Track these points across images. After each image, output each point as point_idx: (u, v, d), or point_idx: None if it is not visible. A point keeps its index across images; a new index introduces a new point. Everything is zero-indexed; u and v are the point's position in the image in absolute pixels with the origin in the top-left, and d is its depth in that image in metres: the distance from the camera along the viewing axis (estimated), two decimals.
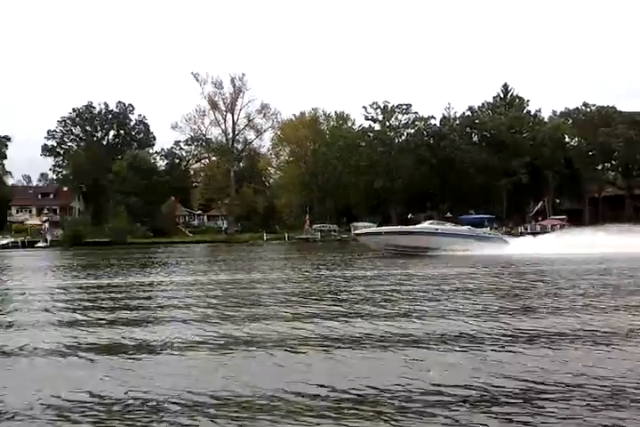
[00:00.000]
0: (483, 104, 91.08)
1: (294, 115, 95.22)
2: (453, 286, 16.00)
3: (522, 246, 31.37)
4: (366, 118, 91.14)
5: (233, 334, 9.19)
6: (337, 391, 5.83)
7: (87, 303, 13.82)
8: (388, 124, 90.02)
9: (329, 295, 14.68)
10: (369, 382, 6.13)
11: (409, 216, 78.62)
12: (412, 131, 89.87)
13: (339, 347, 7.98)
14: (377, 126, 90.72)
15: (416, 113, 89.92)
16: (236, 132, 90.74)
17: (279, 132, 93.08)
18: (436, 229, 33.11)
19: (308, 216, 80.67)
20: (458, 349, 7.71)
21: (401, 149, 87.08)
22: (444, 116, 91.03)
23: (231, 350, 8.03)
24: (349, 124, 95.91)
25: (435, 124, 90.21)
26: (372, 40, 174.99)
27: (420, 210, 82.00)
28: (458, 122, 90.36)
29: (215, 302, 13.58)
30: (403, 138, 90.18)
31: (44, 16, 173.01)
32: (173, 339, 8.82)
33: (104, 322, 10.80)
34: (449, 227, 34.34)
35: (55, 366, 7.35)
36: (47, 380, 6.65)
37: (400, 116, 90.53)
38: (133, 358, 7.65)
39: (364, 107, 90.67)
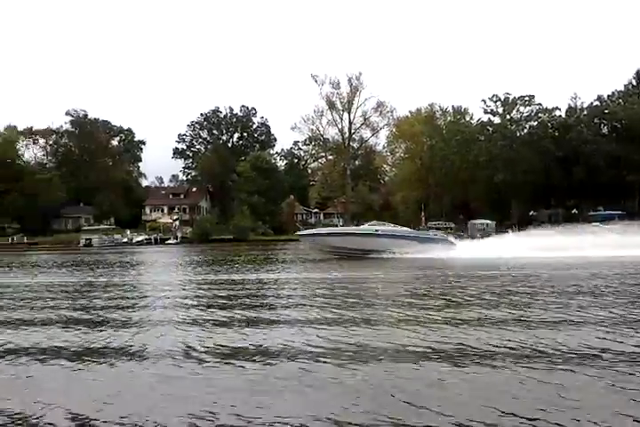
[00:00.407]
0: (613, 93, 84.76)
1: (410, 111, 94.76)
2: (574, 287, 15.24)
3: (469, 249, 30.86)
4: (485, 112, 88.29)
5: (343, 339, 8.91)
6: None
7: (207, 300, 14.54)
8: (508, 116, 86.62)
9: (440, 296, 14.24)
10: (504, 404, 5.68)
11: (531, 213, 75.29)
12: (535, 123, 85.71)
13: (448, 359, 7.52)
14: (497, 119, 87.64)
15: (539, 104, 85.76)
16: (353, 131, 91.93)
17: (395, 130, 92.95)
18: (376, 231, 32.71)
19: (423, 213, 79.79)
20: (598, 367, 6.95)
21: (523, 142, 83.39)
22: (569, 107, 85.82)
23: (342, 359, 7.66)
24: (467, 119, 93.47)
25: (560, 116, 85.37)
26: (490, 32, 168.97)
27: (545, 206, 78.14)
28: (585, 113, 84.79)
29: (325, 301, 13.72)
30: (525, 131, 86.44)
31: (170, 30, 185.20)
32: (286, 344, 8.73)
33: (221, 321, 11.08)
34: (390, 228, 33.85)
35: (177, 370, 7.41)
36: (163, 384, 6.73)
37: (522, 109, 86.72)
38: (252, 364, 7.56)
39: (482, 100, 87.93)
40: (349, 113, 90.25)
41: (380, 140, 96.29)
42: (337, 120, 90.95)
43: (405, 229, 35.31)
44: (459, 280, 18.22)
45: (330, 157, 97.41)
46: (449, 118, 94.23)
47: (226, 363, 7.70)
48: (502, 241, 32.73)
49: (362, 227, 35.18)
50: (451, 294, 14.46)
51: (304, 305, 13.16)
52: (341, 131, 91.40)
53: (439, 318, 10.71)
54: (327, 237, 33.56)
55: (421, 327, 9.77)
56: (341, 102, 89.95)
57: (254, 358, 7.97)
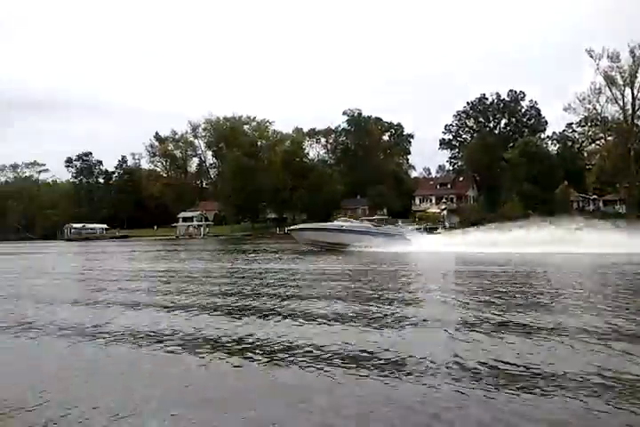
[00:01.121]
0: None
1: None
2: None
3: (424, 244, 32.15)
4: None
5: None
6: None
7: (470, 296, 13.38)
8: None
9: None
10: None
11: None
12: None
13: None
14: None
15: None
16: (637, 108, 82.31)
17: None
18: (341, 226, 36.76)
19: None
20: None
21: None
22: None
23: None
24: None
25: None
26: None
27: None
28: None
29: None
30: None
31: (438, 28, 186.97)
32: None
33: (496, 325, 9.35)
34: (353, 224, 37.91)
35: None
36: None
37: None
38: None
39: None
40: (632, 88, 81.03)
41: None
42: (617, 97, 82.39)
43: (365, 224, 39.07)
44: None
45: (610, 138, 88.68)
46: None
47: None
48: (448, 236, 33.74)
49: (332, 223, 40.80)
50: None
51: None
52: (623, 108, 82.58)
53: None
54: (307, 232, 38.07)
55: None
56: (622, 77, 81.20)
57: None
